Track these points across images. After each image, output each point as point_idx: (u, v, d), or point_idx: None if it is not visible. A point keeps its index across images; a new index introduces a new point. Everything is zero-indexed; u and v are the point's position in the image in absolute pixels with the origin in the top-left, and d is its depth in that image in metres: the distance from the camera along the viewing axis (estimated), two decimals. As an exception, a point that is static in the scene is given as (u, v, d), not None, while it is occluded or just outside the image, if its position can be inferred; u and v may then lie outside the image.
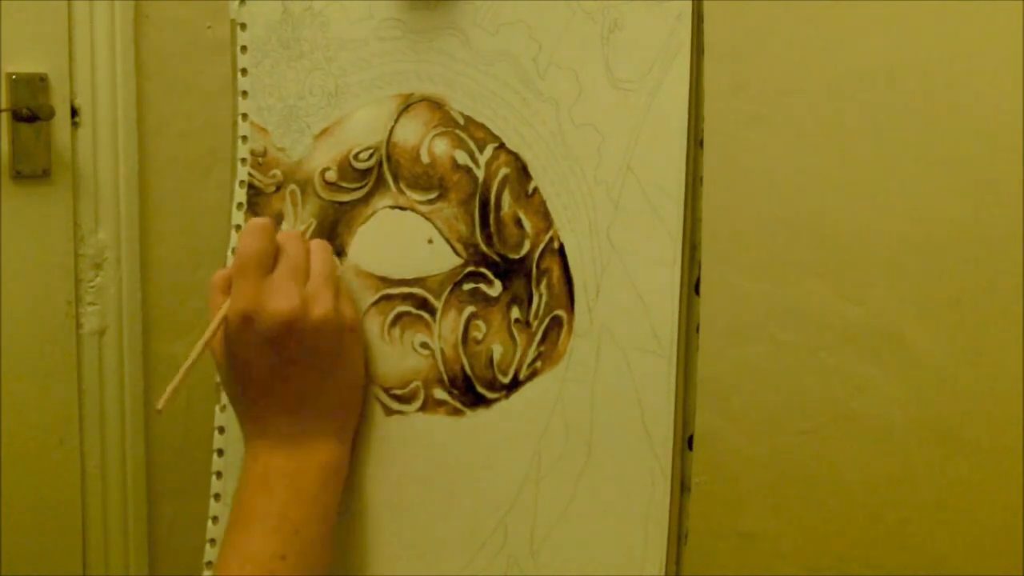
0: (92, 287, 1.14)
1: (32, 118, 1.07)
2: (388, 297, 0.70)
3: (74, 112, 1.11)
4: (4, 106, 1.07)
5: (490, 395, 0.67)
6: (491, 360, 0.67)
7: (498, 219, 0.67)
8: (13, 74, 1.07)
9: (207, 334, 0.65)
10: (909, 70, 0.55)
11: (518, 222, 0.66)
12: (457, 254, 0.68)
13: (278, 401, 0.66)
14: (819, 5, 0.56)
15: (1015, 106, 0.53)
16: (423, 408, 0.69)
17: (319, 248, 0.69)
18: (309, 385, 0.66)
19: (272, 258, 0.66)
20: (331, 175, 0.72)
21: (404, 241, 0.69)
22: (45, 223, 1.11)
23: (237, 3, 0.74)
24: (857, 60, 0.56)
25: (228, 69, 0.75)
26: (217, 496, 0.75)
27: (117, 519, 1.17)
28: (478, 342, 0.67)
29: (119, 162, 1.13)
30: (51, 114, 1.09)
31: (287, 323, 0.64)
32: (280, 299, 0.64)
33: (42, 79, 1.09)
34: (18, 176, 1.08)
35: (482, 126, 0.67)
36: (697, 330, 0.62)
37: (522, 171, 0.66)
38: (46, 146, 1.09)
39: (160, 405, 0.64)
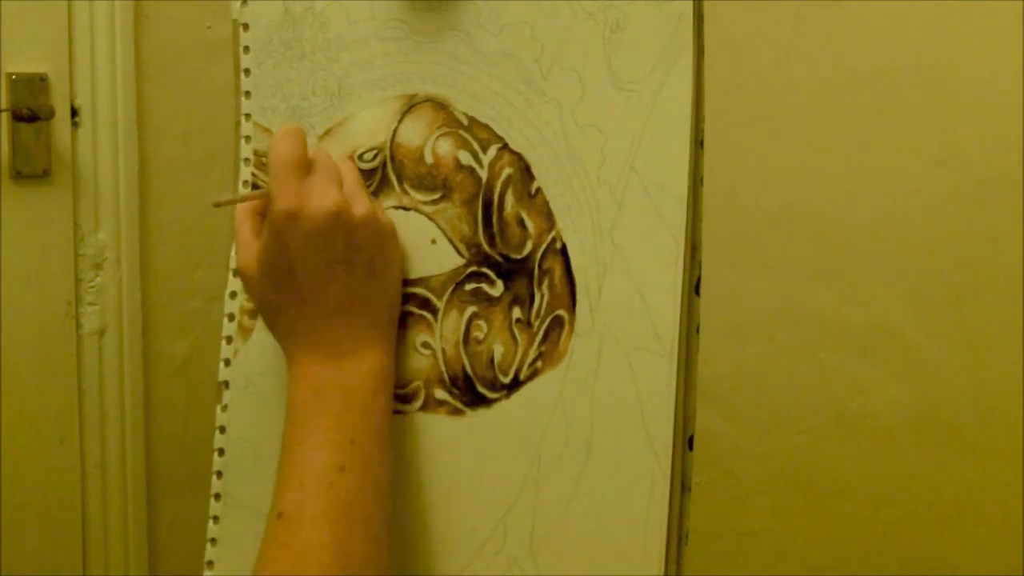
0: (92, 287, 1.14)
1: (32, 118, 1.07)
2: (389, 297, 0.70)
3: (74, 112, 1.11)
4: (4, 106, 1.07)
5: (491, 395, 0.67)
6: (492, 360, 0.67)
7: (501, 219, 0.67)
8: (13, 74, 1.07)
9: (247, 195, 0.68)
10: (909, 70, 0.55)
11: (521, 222, 0.66)
12: (460, 254, 0.68)
13: (325, 305, 0.65)
14: (819, 5, 0.57)
15: (1015, 106, 0.53)
16: (424, 408, 0.69)
17: (347, 161, 0.70)
18: (355, 285, 0.65)
19: (307, 161, 0.66)
20: (333, 175, 0.72)
21: (408, 241, 0.69)
22: (45, 223, 1.10)
23: (239, 4, 0.74)
24: (857, 60, 0.56)
25: (229, 69, 0.75)
26: (217, 496, 0.75)
27: (117, 519, 1.17)
28: (479, 342, 0.67)
29: (119, 162, 1.13)
30: (51, 114, 1.09)
31: (333, 217, 0.64)
32: (323, 196, 0.64)
33: (42, 79, 1.09)
34: (18, 176, 1.08)
35: (486, 127, 0.67)
36: (698, 330, 0.62)
37: (525, 171, 0.66)
38: (46, 146, 1.09)
39: (218, 200, 0.67)
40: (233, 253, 0.72)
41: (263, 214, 0.68)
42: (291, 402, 0.65)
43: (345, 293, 0.65)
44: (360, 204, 0.66)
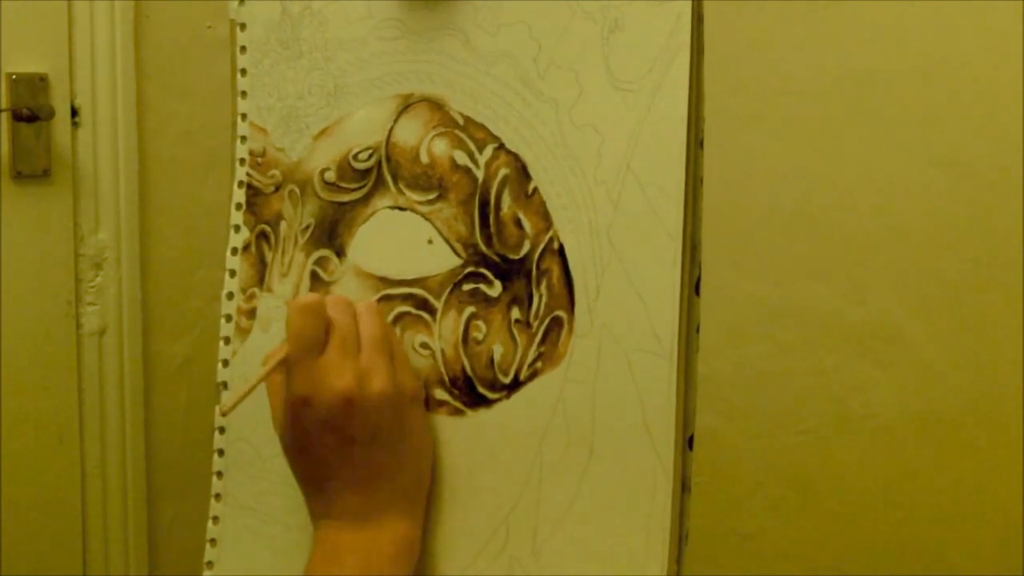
0: (92, 287, 1.14)
1: (32, 118, 1.07)
2: (388, 297, 0.70)
3: (74, 112, 1.11)
4: (4, 106, 1.06)
5: (491, 395, 0.67)
6: (492, 360, 0.67)
7: (498, 219, 0.67)
8: (13, 74, 1.07)
9: (263, 372, 0.65)
10: (909, 70, 0.55)
11: (518, 222, 0.66)
12: (457, 254, 0.68)
13: (344, 481, 0.65)
14: (819, 5, 0.57)
15: (1015, 106, 0.53)
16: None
17: (368, 313, 0.67)
18: (374, 463, 0.65)
19: (324, 336, 0.64)
20: (330, 175, 0.72)
21: (404, 241, 0.69)
22: (45, 223, 1.10)
23: (236, 3, 0.74)
24: (857, 60, 0.56)
25: (228, 69, 0.75)
26: (218, 496, 0.75)
27: (117, 519, 1.17)
28: (478, 342, 0.67)
29: (119, 162, 1.13)
30: (51, 114, 1.09)
31: (345, 403, 0.63)
32: (335, 379, 0.63)
33: (42, 79, 1.08)
34: (18, 176, 1.08)
35: (482, 126, 0.67)
36: (697, 330, 0.62)
37: (522, 171, 0.66)
38: (46, 146, 1.09)
39: (225, 404, 0.65)
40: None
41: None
42: (309, 562, 0.65)
43: (365, 468, 0.65)
44: (378, 377, 0.64)
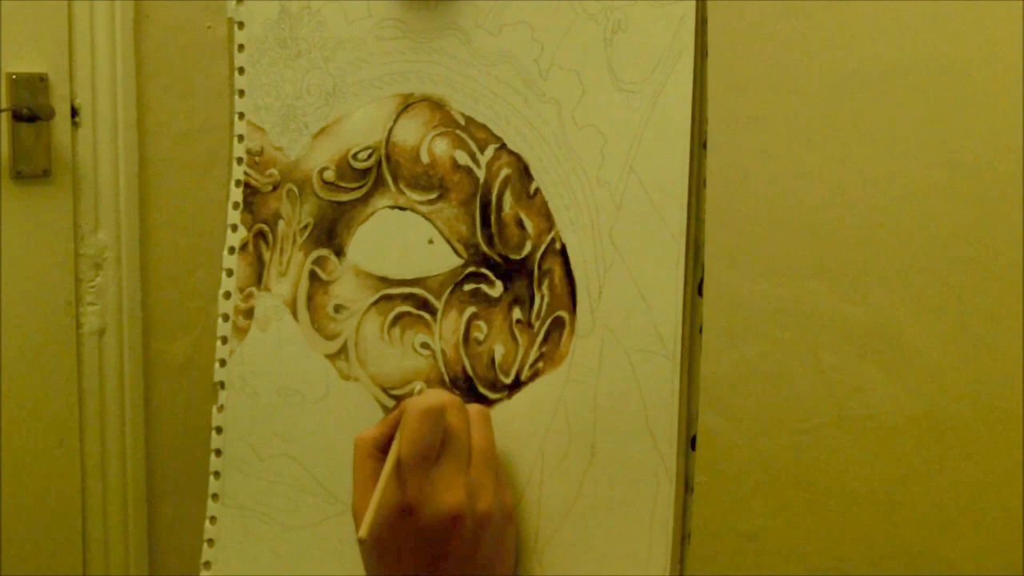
0: (92, 287, 1.14)
1: (32, 118, 1.07)
2: (388, 297, 0.70)
3: (74, 112, 1.11)
4: (4, 106, 1.06)
5: (492, 396, 0.67)
6: (493, 361, 0.67)
7: (499, 219, 0.67)
8: (13, 74, 1.07)
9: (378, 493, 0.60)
10: (909, 70, 0.55)
11: (519, 223, 0.66)
12: (458, 254, 0.68)
13: None
14: (819, 5, 0.56)
15: (1015, 106, 0.53)
16: (424, 408, 0.69)
17: (480, 420, 0.64)
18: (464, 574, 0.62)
19: (439, 444, 0.61)
20: (329, 175, 0.72)
21: (404, 241, 0.69)
22: (45, 223, 1.10)
23: (234, 1, 0.74)
24: (857, 60, 0.56)
25: (228, 69, 0.75)
26: (215, 496, 0.75)
27: (117, 519, 1.17)
28: (479, 343, 0.67)
29: (119, 162, 1.13)
30: (51, 114, 1.09)
31: (452, 520, 0.60)
32: (446, 493, 0.60)
33: (42, 79, 1.08)
34: (18, 176, 1.08)
35: (483, 127, 0.67)
36: (700, 331, 0.62)
37: (524, 172, 0.66)
38: (46, 146, 1.09)
39: (363, 533, 0.60)
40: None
41: (381, 457, 0.64)
42: None
43: None
44: (485, 495, 0.61)
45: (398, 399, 0.69)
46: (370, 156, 0.70)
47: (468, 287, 0.67)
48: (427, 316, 0.69)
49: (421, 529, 0.60)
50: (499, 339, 0.66)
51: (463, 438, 0.62)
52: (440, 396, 0.63)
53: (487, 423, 0.65)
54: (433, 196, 0.69)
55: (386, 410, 0.70)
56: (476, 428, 0.64)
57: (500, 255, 0.67)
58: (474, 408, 0.65)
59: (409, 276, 0.69)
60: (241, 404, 0.74)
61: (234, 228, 0.75)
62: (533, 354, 0.65)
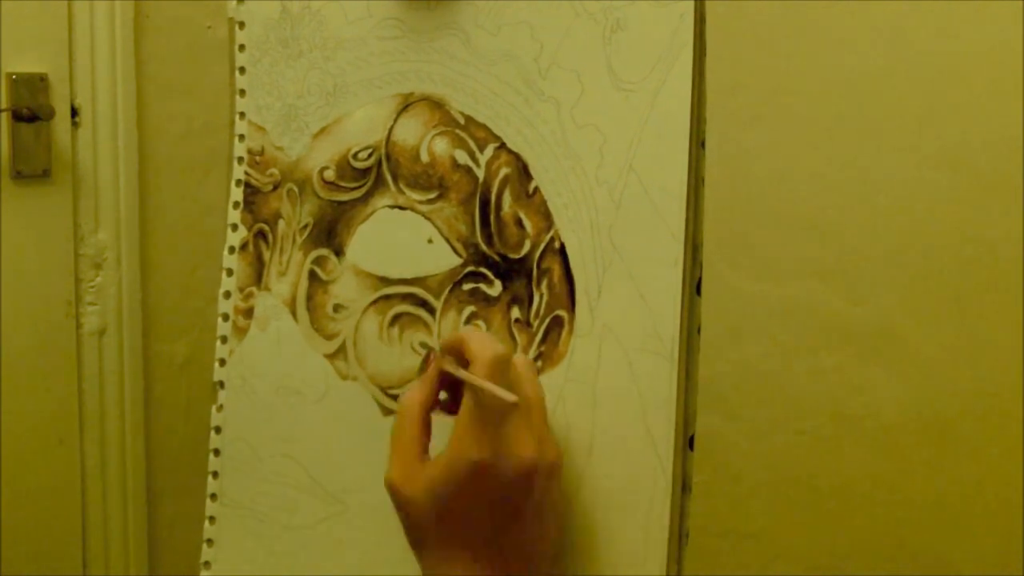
0: (92, 287, 1.14)
1: (32, 118, 1.07)
2: (387, 297, 0.70)
3: (74, 112, 1.11)
4: (4, 106, 1.06)
5: (490, 395, 0.67)
6: (491, 360, 0.67)
7: (498, 219, 0.67)
8: (13, 74, 1.07)
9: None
10: (909, 70, 0.55)
11: (519, 222, 0.66)
12: (457, 254, 0.68)
13: (475, 545, 0.60)
14: (819, 5, 0.57)
15: (1015, 106, 0.53)
16: (423, 408, 0.69)
17: (530, 372, 0.63)
18: (516, 530, 0.60)
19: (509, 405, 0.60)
20: (330, 174, 0.72)
21: (403, 241, 0.69)
22: (45, 223, 1.10)
23: (235, 1, 0.74)
24: (857, 60, 0.56)
25: (228, 69, 0.75)
26: (214, 496, 0.75)
27: (117, 519, 1.17)
28: (478, 342, 0.67)
29: (119, 162, 1.13)
30: (51, 114, 1.09)
31: (528, 471, 0.59)
32: (520, 447, 0.59)
33: (42, 79, 1.08)
34: (18, 176, 1.08)
35: (483, 126, 0.67)
36: (699, 330, 0.62)
37: (523, 171, 0.66)
38: (46, 146, 1.09)
39: (514, 397, 0.58)
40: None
41: (428, 417, 0.63)
42: None
43: (505, 535, 0.60)
44: (550, 446, 0.61)
45: (397, 398, 0.69)
46: (370, 156, 0.70)
47: (467, 286, 0.67)
48: (426, 315, 0.69)
49: (498, 483, 0.59)
50: (498, 338, 0.66)
51: (524, 390, 0.61)
52: (497, 344, 0.60)
53: (536, 373, 0.64)
54: (433, 195, 0.69)
55: (385, 410, 0.70)
56: (528, 380, 0.62)
57: (499, 254, 0.67)
58: (520, 360, 0.63)
59: (408, 275, 0.69)
60: (240, 404, 0.74)
61: (234, 228, 0.75)
62: (532, 353, 0.65)
